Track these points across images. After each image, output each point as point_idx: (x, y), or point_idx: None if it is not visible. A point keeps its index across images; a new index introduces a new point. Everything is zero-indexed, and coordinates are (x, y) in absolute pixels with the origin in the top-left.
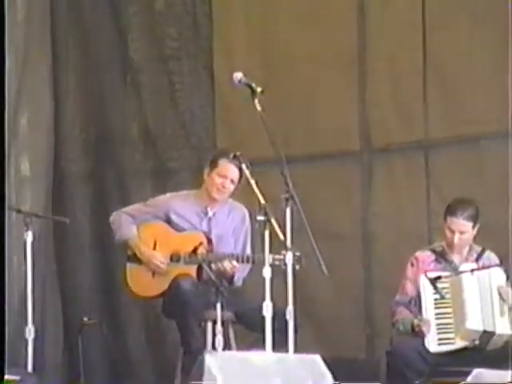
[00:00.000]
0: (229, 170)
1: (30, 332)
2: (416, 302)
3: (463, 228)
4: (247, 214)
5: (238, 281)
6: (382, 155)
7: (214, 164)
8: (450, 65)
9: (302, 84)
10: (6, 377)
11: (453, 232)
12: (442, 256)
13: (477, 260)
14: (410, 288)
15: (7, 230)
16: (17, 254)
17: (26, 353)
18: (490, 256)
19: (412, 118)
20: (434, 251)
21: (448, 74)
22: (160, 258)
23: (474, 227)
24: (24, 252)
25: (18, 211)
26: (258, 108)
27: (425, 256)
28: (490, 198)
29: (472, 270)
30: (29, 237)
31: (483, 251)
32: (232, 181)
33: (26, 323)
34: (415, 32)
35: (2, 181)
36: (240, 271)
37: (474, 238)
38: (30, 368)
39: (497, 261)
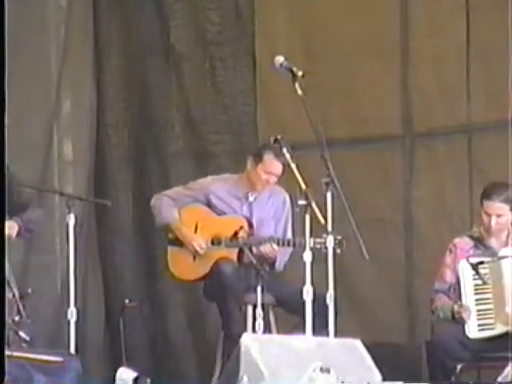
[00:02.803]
0: (274, 167)
1: (72, 314)
2: (455, 289)
3: (500, 211)
4: (288, 198)
5: (280, 265)
6: (424, 139)
7: (258, 158)
8: (493, 48)
9: (344, 68)
10: (49, 358)
11: (489, 216)
12: (480, 242)
13: None
14: (448, 275)
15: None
16: (59, 237)
17: (68, 335)
18: None
19: (454, 102)
20: (471, 237)
21: (491, 57)
22: (200, 242)
23: (511, 210)
24: (66, 235)
25: (61, 194)
26: (299, 92)
27: (463, 243)
28: None
29: None
30: (71, 219)
31: None
32: (276, 175)
33: (68, 305)
34: (459, 15)
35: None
36: (281, 256)
37: None
38: (72, 350)
39: None
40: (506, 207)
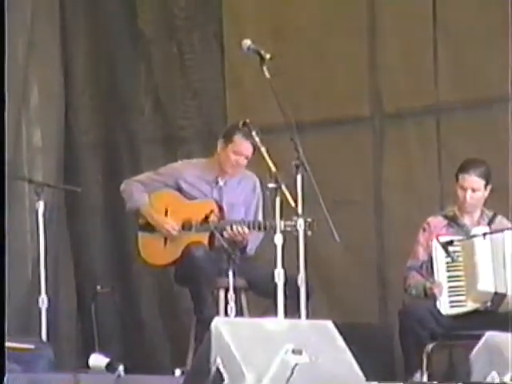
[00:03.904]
0: (244, 148)
1: (43, 301)
2: (428, 267)
3: (475, 185)
4: (258, 183)
5: (251, 250)
6: (393, 120)
7: (228, 139)
8: (460, 28)
9: (311, 50)
10: (21, 345)
11: (465, 190)
12: (453, 220)
13: (489, 224)
14: (421, 253)
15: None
16: (29, 224)
17: (39, 322)
18: (503, 221)
19: (423, 83)
20: (445, 216)
21: (458, 37)
22: (172, 224)
23: (486, 186)
24: (36, 222)
25: (30, 181)
26: (267, 75)
27: (437, 221)
28: (502, 162)
29: (484, 234)
30: (40, 207)
31: (495, 216)
32: (246, 157)
33: (39, 293)
34: None
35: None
36: (252, 240)
37: (485, 202)
38: (44, 337)
39: (509, 225)
40: (482, 182)
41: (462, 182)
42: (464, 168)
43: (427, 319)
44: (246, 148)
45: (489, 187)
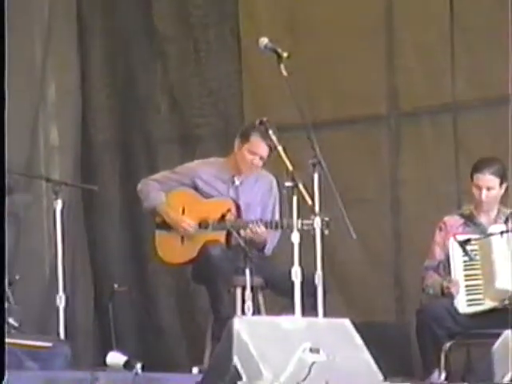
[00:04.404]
0: (259, 148)
1: (60, 300)
2: (445, 266)
3: (490, 183)
4: (274, 182)
5: (269, 250)
6: (409, 119)
7: (245, 138)
8: (477, 26)
9: (329, 48)
10: (38, 343)
11: (480, 189)
12: (470, 219)
13: (505, 222)
14: (438, 252)
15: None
16: (47, 223)
17: (57, 320)
18: None
19: (439, 81)
20: (462, 215)
21: (475, 35)
22: (189, 221)
23: (501, 184)
24: (54, 220)
25: (47, 180)
26: (284, 73)
27: (453, 220)
28: None
29: (502, 232)
30: (58, 205)
31: None
32: (261, 158)
33: (56, 291)
34: None
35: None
36: (270, 240)
37: (502, 199)
38: (61, 335)
39: None
40: (496, 180)
41: (477, 181)
42: (478, 167)
43: (444, 318)
44: (262, 149)
45: (504, 185)
